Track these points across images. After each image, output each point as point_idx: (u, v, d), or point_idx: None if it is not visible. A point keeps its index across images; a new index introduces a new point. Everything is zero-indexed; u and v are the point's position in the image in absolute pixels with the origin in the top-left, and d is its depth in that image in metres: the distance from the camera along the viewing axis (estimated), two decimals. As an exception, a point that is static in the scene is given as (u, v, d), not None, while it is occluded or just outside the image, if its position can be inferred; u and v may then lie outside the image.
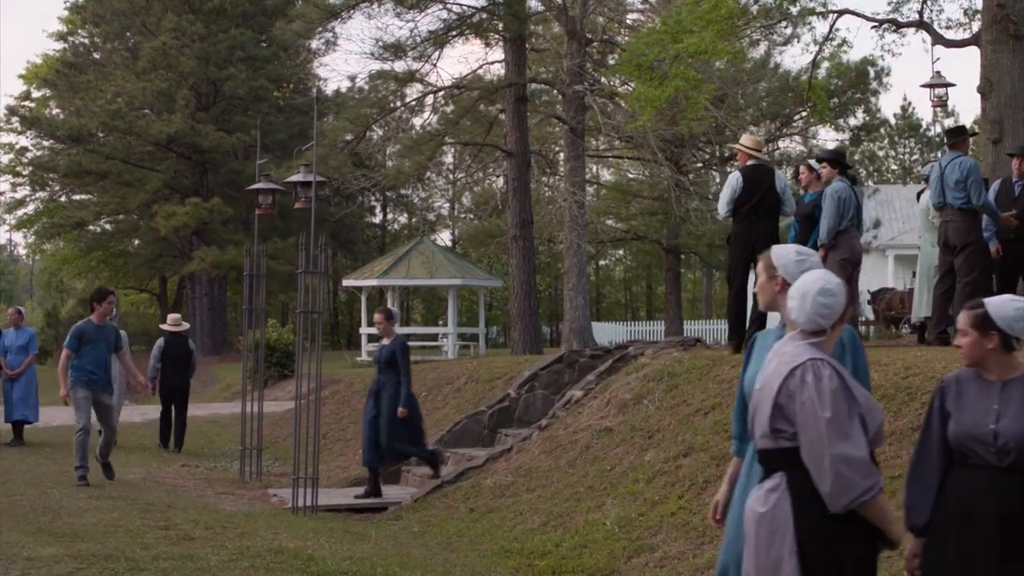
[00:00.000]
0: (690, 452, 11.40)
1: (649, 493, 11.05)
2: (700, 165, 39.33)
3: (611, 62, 34.12)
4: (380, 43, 23.69)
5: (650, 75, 21.81)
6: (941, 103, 18.36)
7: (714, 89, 23.06)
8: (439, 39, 24.27)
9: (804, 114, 39.62)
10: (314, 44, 53.21)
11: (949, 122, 71.82)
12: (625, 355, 14.65)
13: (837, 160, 14.10)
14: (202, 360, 45.76)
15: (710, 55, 21.05)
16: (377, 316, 15.03)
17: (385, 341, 14.75)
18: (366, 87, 29.71)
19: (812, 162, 14.62)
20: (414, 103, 25.85)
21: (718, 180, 44.47)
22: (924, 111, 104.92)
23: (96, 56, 53.63)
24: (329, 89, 54.43)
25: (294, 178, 14.92)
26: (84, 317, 15.31)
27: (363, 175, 29.27)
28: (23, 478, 15.09)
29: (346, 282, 41.23)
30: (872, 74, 40.75)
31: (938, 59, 18.74)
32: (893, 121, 72.58)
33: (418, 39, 23.72)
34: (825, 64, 38.99)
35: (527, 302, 25.01)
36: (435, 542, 11.82)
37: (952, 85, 18.07)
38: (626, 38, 33.52)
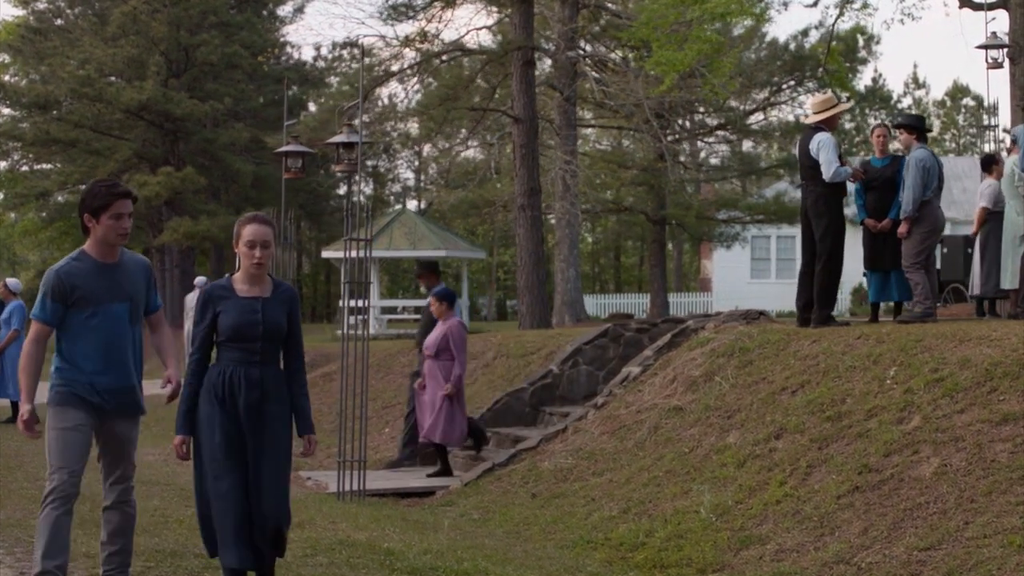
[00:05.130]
0: (782, 434, 10.63)
1: (743, 478, 10.26)
2: (673, 138, 38.49)
3: (596, 30, 33.36)
4: (389, 3, 22.69)
5: (668, 38, 21.06)
6: (996, 65, 17.61)
7: (739, 52, 22.29)
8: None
9: (793, 83, 38.92)
10: (291, 7, 52.21)
11: (921, 93, 71.45)
12: (685, 329, 13.86)
13: (917, 126, 13.36)
14: (174, 334, 44.80)
15: (735, 16, 20.33)
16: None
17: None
18: (369, 52, 28.59)
19: (888, 124, 13.90)
20: (416, 67, 24.80)
21: (688, 151, 43.90)
22: (895, 83, 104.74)
23: (60, 22, 52.11)
24: (308, 55, 53.26)
25: (337, 139, 13.96)
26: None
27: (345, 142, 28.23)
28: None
29: (325, 253, 40.24)
30: (861, 43, 40.08)
31: (994, 19, 17.97)
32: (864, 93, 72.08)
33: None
34: (813, 32, 38.44)
35: (535, 274, 24.14)
36: (501, 531, 11.03)
37: (1007, 46, 17.34)
38: (613, 5, 32.77)
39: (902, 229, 13.06)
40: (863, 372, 10.77)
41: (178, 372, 7.42)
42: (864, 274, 14.32)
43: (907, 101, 70.16)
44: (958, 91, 67.27)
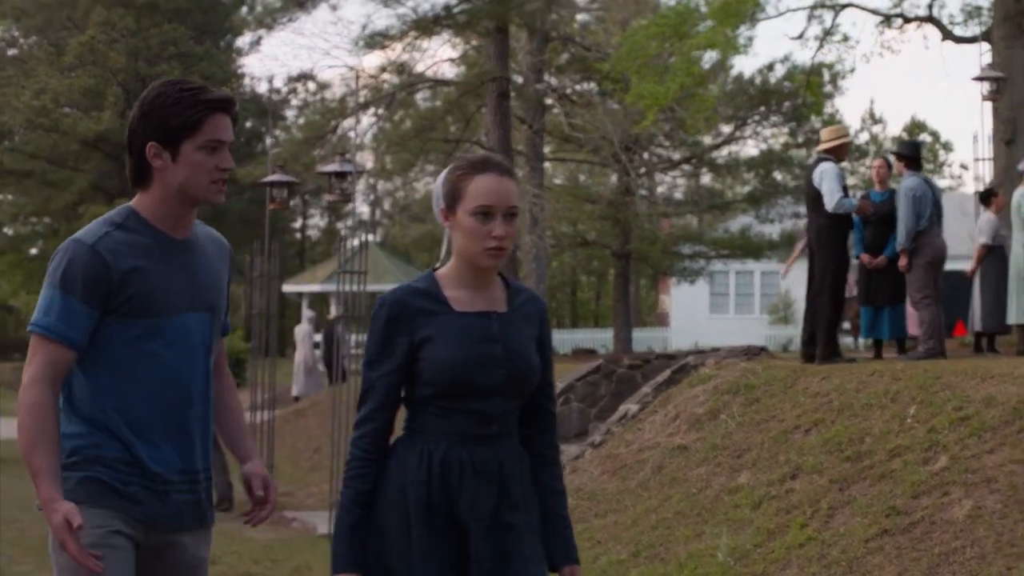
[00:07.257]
0: (798, 474, 10.23)
1: (760, 520, 9.84)
2: (635, 173, 38.27)
3: (561, 62, 33.17)
4: (367, 30, 22.31)
5: (649, 71, 20.81)
6: (992, 97, 17.43)
7: (721, 85, 22.11)
8: (427, 28, 22.91)
9: (757, 118, 38.82)
10: (250, 38, 51.85)
11: (878, 129, 71.76)
12: (684, 365, 13.48)
13: (908, 154, 13.07)
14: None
15: (720, 47, 20.13)
16: None
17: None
18: (337, 82, 28.23)
19: (890, 157, 13.64)
20: (390, 98, 24.45)
21: (646, 185, 43.62)
22: (852, 118, 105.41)
23: (14, 52, 51.49)
24: (263, 88, 52.83)
25: (329, 167, 13.51)
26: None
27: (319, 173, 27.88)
28: (6, 501, 13.57)
29: (286, 288, 39.68)
30: (827, 77, 39.98)
31: (988, 50, 17.77)
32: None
33: (405, 26, 22.37)
34: (778, 67, 38.34)
35: (511, 308, 23.70)
36: (504, 574, 10.55)
37: (1003, 78, 17.14)
38: (581, 38, 32.56)
39: (902, 263, 12.73)
40: (881, 410, 10.41)
41: (261, 461, 4.05)
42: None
43: (864, 136, 70.51)
44: (916, 127, 67.46)
